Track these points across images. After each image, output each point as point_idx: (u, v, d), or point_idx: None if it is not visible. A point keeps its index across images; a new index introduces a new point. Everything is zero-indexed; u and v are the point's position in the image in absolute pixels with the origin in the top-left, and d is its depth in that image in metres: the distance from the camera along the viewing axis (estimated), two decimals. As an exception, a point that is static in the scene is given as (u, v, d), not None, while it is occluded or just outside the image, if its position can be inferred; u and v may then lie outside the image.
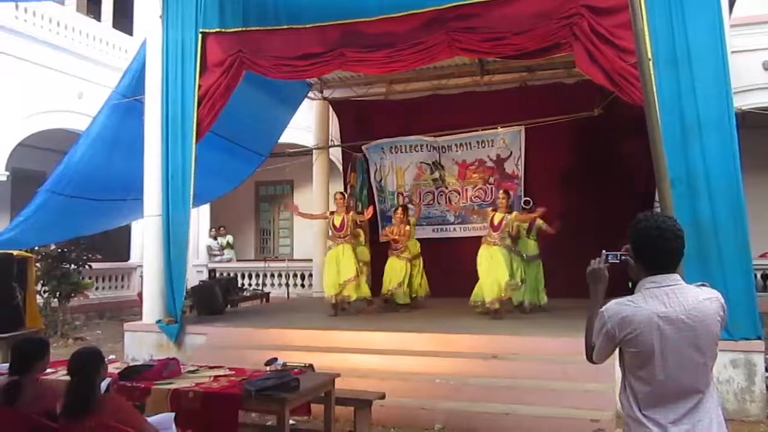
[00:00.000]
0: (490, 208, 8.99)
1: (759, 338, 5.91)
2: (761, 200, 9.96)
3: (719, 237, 5.89)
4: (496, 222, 8.54)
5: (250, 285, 14.05)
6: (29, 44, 11.65)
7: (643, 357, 2.22)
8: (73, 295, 11.65)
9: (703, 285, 2.33)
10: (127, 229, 14.18)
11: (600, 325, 2.32)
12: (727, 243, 5.89)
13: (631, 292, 2.33)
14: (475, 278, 8.54)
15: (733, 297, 5.11)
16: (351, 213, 9.56)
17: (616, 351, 2.34)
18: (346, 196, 9.96)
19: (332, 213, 9.46)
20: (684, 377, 2.21)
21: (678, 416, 2.19)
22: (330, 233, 9.52)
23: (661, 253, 2.27)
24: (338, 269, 9.01)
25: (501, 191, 9.19)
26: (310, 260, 13.02)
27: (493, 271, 8.30)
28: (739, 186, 5.94)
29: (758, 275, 10.83)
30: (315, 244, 12.71)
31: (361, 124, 12.16)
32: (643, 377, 2.23)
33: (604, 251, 2.47)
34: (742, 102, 9.33)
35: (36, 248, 10.37)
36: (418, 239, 10.11)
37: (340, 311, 9.10)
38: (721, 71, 6.08)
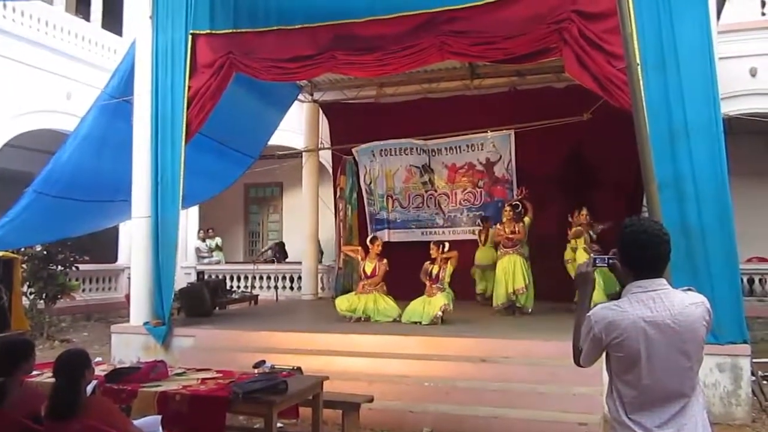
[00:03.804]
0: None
1: (745, 342, 5.96)
2: (748, 205, 10.04)
3: (706, 241, 5.92)
4: (433, 275, 8.43)
5: (238, 287, 13.96)
6: (17, 44, 11.53)
7: (629, 361, 2.23)
8: (59, 296, 11.56)
9: (689, 289, 2.35)
10: (114, 231, 14.07)
11: (587, 330, 2.33)
12: (714, 247, 5.93)
13: (619, 295, 2.34)
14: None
15: (719, 301, 5.16)
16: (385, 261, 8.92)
17: (604, 355, 2.35)
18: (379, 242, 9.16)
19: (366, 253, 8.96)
20: (670, 381, 2.22)
21: (664, 420, 2.21)
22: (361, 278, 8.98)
23: (647, 257, 2.28)
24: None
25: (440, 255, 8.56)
26: (299, 263, 13.01)
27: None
28: (726, 191, 5.99)
29: (744, 279, 10.91)
30: (304, 247, 12.71)
31: (350, 126, 12.13)
32: (630, 381, 2.24)
33: (592, 255, 2.48)
34: (730, 108, 9.40)
35: (22, 249, 10.29)
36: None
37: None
38: (709, 77, 6.12)
